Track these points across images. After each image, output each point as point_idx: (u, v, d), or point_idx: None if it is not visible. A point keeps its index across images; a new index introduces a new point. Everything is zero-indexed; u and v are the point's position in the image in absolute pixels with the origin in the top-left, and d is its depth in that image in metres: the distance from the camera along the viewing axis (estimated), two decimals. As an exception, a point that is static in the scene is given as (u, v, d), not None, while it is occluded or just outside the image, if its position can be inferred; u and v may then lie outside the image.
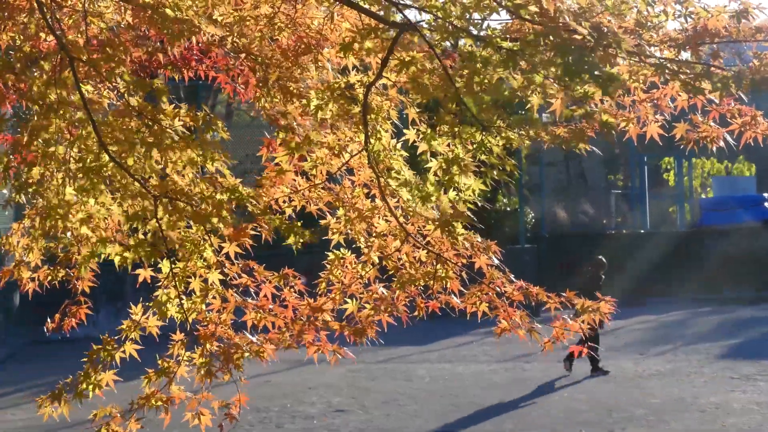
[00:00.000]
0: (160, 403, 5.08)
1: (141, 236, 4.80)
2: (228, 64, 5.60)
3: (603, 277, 14.22)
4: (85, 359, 5.15)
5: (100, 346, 5.11)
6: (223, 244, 5.02)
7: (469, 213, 4.67)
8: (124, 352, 5.14)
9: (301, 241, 4.99)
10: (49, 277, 5.41)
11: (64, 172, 4.77)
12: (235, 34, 5.13)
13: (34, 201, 4.96)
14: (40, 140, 4.64)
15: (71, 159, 4.77)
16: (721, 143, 4.59)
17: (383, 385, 13.50)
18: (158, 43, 5.14)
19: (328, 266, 5.34)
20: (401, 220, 5.00)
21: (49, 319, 5.56)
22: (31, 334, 18.17)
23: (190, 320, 5.05)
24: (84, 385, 5.10)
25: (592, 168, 37.17)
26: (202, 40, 5.03)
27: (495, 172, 4.44)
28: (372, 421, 11.15)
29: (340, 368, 14.84)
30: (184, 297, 5.03)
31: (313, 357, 5.25)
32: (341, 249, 5.38)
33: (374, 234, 5.29)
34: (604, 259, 14.47)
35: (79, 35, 4.97)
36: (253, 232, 5.01)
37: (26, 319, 18.39)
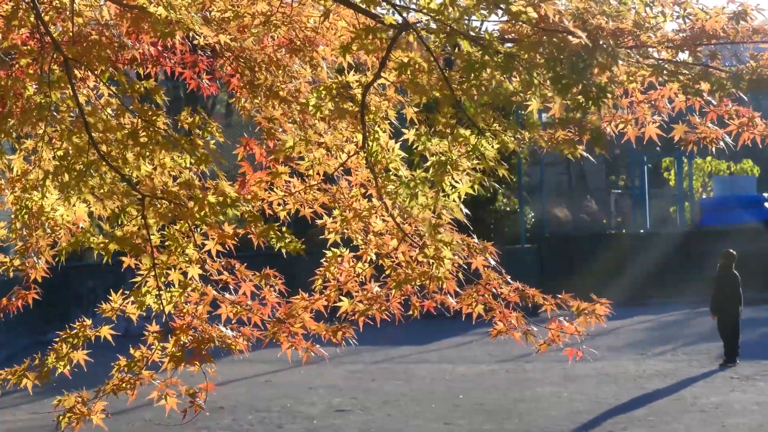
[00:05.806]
0: (127, 385, 5.15)
1: (124, 231, 4.86)
2: (196, 60, 5.58)
3: (733, 265, 14.75)
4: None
5: (77, 325, 5.20)
6: (206, 242, 5.06)
7: (460, 216, 4.66)
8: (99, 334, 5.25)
9: (286, 248, 5.01)
10: (3, 267, 5.45)
11: (41, 169, 4.82)
12: (228, 35, 5.10)
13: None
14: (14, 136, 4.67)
15: (43, 155, 4.81)
16: (721, 144, 4.58)
17: (384, 386, 13.49)
18: (127, 40, 5.12)
19: (325, 263, 5.34)
20: (398, 220, 4.99)
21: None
22: (31, 334, 18.16)
23: (167, 312, 5.11)
24: (50, 362, 5.17)
25: (593, 168, 37.17)
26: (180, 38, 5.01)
27: (486, 179, 4.43)
28: (373, 422, 11.13)
29: (340, 369, 14.83)
30: (163, 288, 5.08)
31: (310, 357, 5.27)
32: (339, 248, 5.38)
33: (371, 232, 5.29)
34: (733, 251, 15.02)
35: (59, 35, 4.96)
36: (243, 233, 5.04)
37: (27, 319, 18.38)
